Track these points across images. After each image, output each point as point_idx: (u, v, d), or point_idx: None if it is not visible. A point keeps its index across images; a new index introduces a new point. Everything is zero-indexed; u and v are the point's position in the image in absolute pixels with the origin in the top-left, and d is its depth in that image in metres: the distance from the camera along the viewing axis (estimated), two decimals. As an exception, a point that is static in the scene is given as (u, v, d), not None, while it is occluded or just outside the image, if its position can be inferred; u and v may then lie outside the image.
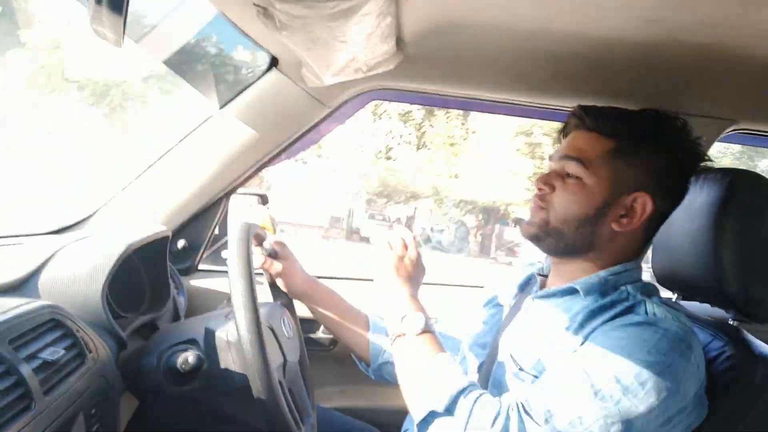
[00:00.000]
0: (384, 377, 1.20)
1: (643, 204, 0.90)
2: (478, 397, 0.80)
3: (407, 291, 0.97)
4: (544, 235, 0.94)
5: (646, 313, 0.83)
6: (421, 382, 0.86)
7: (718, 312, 0.98)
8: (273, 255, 1.14)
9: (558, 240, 0.93)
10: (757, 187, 0.90)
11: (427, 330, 0.91)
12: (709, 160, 0.95)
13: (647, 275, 0.98)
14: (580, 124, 0.95)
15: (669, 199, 0.93)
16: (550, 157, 0.98)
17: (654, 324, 0.79)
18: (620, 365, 0.75)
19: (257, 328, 0.80)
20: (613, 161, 0.90)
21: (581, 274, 0.94)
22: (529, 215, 0.97)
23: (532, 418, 0.76)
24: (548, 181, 0.94)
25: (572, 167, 0.91)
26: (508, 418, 0.76)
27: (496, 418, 0.76)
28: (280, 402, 0.82)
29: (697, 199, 0.94)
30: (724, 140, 1.37)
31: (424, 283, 1.67)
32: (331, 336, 1.56)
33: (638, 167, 0.90)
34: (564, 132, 1.00)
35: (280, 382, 0.91)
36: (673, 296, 1.10)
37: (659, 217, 0.94)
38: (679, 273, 1.00)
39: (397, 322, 0.91)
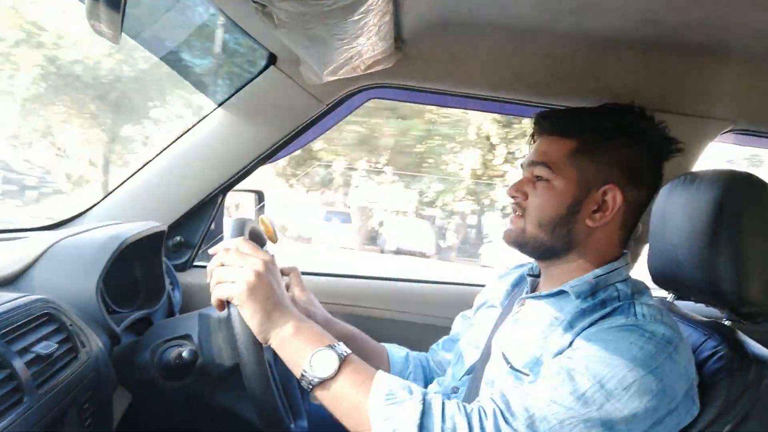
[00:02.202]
0: None
1: (613, 197, 0.91)
2: (443, 411, 0.75)
3: (289, 320, 0.81)
4: (523, 242, 0.96)
5: (635, 314, 0.83)
6: (374, 424, 0.75)
7: (712, 312, 0.98)
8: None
9: (537, 244, 0.95)
10: (753, 188, 0.90)
11: (344, 359, 0.78)
12: (677, 143, 0.95)
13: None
14: (541, 130, 0.98)
15: (640, 189, 0.94)
16: (521, 166, 1.00)
17: (641, 327, 0.79)
18: (604, 369, 0.75)
19: None
20: (577, 160, 0.92)
21: (570, 274, 0.95)
22: (508, 224, 0.99)
23: (510, 424, 0.74)
24: (520, 189, 0.96)
25: (539, 171, 0.94)
26: (482, 428, 0.74)
27: (471, 427, 0.74)
28: (273, 397, 0.82)
29: (693, 199, 0.94)
30: (721, 140, 1.38)
31: (421, 281, 1.69)
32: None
33: (602, 162, 0.92)
34: (533, 139, 1.02)
35: (270, 364, 0.91)
36: (668, 296, 1.10)
37: (634, 207, 0.94)
38: (674, 273, 1.00)
39: (306, 370, 0.77)
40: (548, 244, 0.94)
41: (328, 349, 0.78)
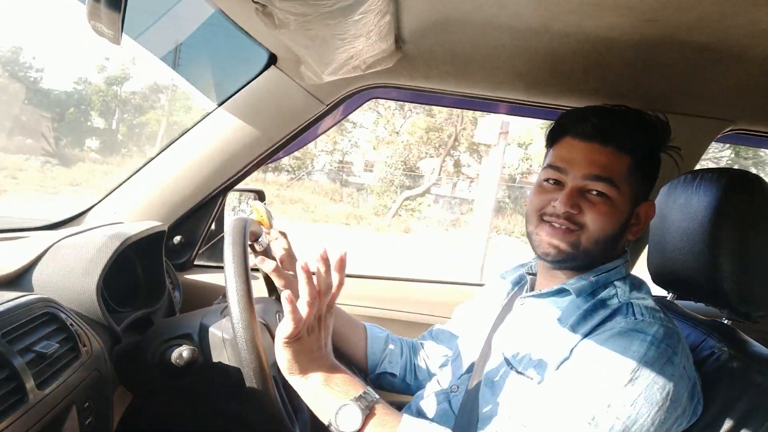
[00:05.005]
0: (382, 386, 1.21)
1: (646, 211, 0.93)
2: None
3: (319, 370, 0.80)
4: (574, 257, 0.91)
5: (633, 314, 0.83)
6: None
7: (712, 311, 0.98)
8: (266, 252, 1.14)
9: (586, 260, 0.92)
10: (752, 188, 0.90)
11: (369, 412, 0.78)
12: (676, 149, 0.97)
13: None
14: (594, 135, 0.90)
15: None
16: (556, 168, 0.93)
17: (641, 330, 0.79)
18: (611, 389, 0.75)
19: (252, 326, 0.80)
20: (632, 178, 0.90)
21: (573, 274, 0.95)
22: (555, 237, 0.91)
23: None
24: (576, 202, 0.90)
25: (602, 187, 0.89)
26: None
27: None
28: (274, 397, 0.82)
29: (693, 198, 0.94)
30: (721, 140, 1.38)
31: (420, 281, 1.69)
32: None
33: (645, 179, 0.93)
34: (560, 134, 0.95)
35: (275, 379, 0.91)
36: (668, 295, 1.10)
37: None
38: (674, 272, 1.00)
39: (332, 422, 0.77)
40: (595, 259, 0.92)
41: (353, 403, 0.78)
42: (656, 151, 0.94)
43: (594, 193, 0.89)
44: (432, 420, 1.02)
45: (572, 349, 0.83)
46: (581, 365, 0.80)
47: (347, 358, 1.21)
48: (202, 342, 0.92)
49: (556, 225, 0.91)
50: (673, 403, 0.76)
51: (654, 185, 0.95)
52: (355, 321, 1.24)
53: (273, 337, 0.98)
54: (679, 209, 0.97)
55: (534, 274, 1.05)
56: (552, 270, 0.99)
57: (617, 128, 0.90)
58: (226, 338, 0.90)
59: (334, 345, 1.18)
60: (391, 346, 1.22)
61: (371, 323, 1.28)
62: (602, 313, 0.85)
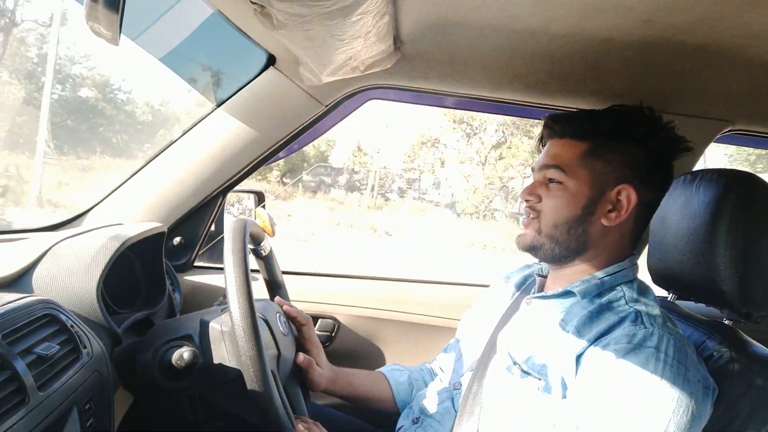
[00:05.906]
0: None
1: (628, 196, 0.92)
2: None
3: None
4: (538, 244, 0.96)
5: (643, 323, 0.83)
6: None
7: (713, 312, 0.98)
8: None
9: (553, 245, 0.95)
10: (752, 188, 0.90)
11: None
12: (687, 143, 0.97)
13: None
14: (552, 134, 0.99)
15: (651, 189, 0.96)
16: (532, 169, 1.02)
17: (655, 347, 0.79)
18: (643, 420, 0.74)
19: (251, 316, 0.80)
20: (589, 161, 0.94)
21: (579, 275, 0.95)
22: (524, 227, 0.99)
23: None
24: (533, 192, 0.98)
25: (552, 173, 0.95)
26: None
27: None
28: (273, 393, 0.82)
29: (693, 199, 0.95)
30: (719, 141, 1.38)
31: (421, 281, 1.70)
32: (326, 333, 1.56)
33: (615, 162, 0.93)
34: (542, 143, 1.05)
35: (274, 374, 0.91)
36: (669, 296, 1.10)
37: (646, 208, 0.96)
38: (674, 273, 1.00)
39: None
40: (564, 245, 0.94)
41: None
42: (623, 136, 0.94)
43: (550, 181, 0.96)
44: (434, 417, 1.02)
45: (578, 356, 0.83)
46: (597, 388, 0.79)
47: (377, 409, 1.21)
48: (202, 342, 0.92)
49: (524, 217, 1.00)
50: (696, 415, 0.76)
51: (634, 170, 0.94)
52: (375, 376, 1.23)
53: (273, 333, 0.98)
54: (678, 210, 0.97)
55: (544, 276, 1.06)
56: (557, 271, 1.00)
57: (572, 121, 0.97)
58: (225, 330, 0.90)
59: (365, 407, 1.20)
60: (415, 390, 1.22)
61: (389, 364, 1.28)
62: (609, 318, 0.85)
